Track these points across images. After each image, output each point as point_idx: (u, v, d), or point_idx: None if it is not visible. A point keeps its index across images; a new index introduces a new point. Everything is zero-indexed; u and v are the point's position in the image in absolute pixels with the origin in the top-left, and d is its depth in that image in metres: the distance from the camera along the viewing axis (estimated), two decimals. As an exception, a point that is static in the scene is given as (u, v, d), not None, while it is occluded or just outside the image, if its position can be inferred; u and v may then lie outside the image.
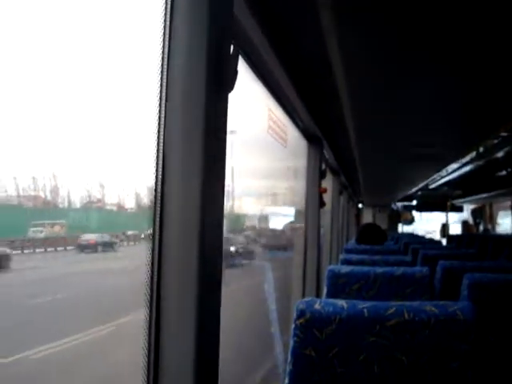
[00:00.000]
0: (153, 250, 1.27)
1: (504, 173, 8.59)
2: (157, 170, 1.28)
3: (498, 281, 2.41)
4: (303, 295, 3.87)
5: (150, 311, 1.26)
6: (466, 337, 1.48)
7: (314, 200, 4.03)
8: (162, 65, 1.28)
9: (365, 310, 1.53)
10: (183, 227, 1.26)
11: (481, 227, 13.96)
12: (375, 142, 4.32)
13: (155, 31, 1.29)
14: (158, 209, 1.27)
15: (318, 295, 3.84)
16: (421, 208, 14.25)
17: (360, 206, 13.49)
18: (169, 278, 1.26)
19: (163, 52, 1.28)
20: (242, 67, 1.99)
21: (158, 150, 1.27)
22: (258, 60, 2.13)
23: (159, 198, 1.27)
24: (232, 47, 1.39)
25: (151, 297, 1.27)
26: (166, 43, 1.28)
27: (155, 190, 1.27)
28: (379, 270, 2.69)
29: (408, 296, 2.58)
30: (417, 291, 2.60)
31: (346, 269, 2.71)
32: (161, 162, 1.27)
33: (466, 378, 1.47)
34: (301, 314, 1.54)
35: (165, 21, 1.29)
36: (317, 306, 1.55)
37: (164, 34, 1.29)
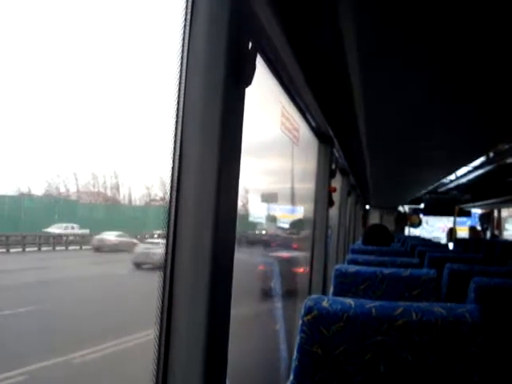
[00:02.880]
0: (167, 245, 1.29)
1: (514, 179, 8.54)
2: (173, 164, 1.30)
3: (506, 285, 2.41)
4: (309, 293, 3.88)
5: (162, 310, 1.29)
6: (473, 339, 1.48)
7: (323, 199, 4.04)
8: (182, 58, 1.30)
9: (373, 309, 1.54)
10: (197, 223, 1.28)
11: (488, 233, 13.90)
12: (386, 143, 4.31)
13: (176, 28, 1.31)
14: (174, 204, 1.29)
15: (324, 294, 3.85)
16: (428, 211, 14.16)
17: (367, 207, 13.45)
18: (182, 270, 1.27)
19: (183, 46, 1.30)
20: (259, 64, 2.01)
21: (175, 143, 1.29)
22: (275, 58, 2.15)
23: (175, 191, 1.28)
24: (250, 44, 1.41)
25: (163, 292, 1.29)
26: (187, 38, 1.30)
27: (171, 184, 1.29)
28: (386, 270, 2.70)
29: (415, 298, 2.58)
30: (424, 293, 2.60)
31: (352, 268, 2.71)
32: (178, 155, 1.28)
33: (472, 381, 1.48)
34: (308, 310, 1.55)
35: (185, 17, 1.31)
36: (325, 304, 1.55)
37: (184, 29, 1.31)
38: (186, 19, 1.31)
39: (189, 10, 1.30)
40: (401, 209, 14.40)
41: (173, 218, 1.29)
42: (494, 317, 2.29)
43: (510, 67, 2.30)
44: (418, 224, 15.14)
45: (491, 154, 6.53)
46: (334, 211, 6.16)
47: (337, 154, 4.94)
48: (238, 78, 1.34)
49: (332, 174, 4.16)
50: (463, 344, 1.48)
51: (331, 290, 2.72)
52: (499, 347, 2.29)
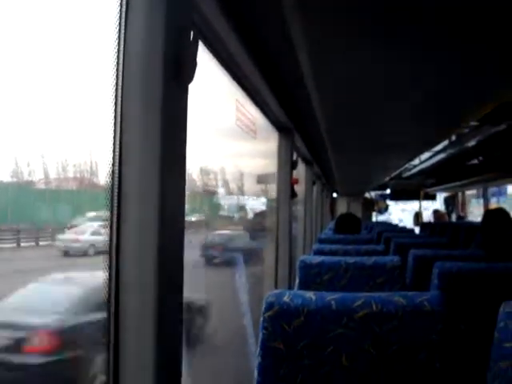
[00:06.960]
0: (110, 247, 1.22)
1: (475, 161, 8.69)
2: (113, 168, 1.22)
3: (468, 269, 2.41)
4: (276, 286, 3.85)
5: (109, 311, 1.22)
6: (433, 327, 1.47)
7: (286, 191, 4.01)
8: (118, 51, 1.23)
9: (332, 302, 1.52)
10: (142, 226, 1.22)
11: (453, 216, 14.12)
12: (346, 130, 4.30)
13: (110, 17, 1.24)
14: (116, 206, 1.22)
15: (291, 286, 3.83)
16: (395, 197, 14.34)
17: (335, 195, 13.53)
18: (127, 276, 1.21)
19: (119, 39, 1.23)
20: (206, 57, 1.95)
21: (114, 145, 1.22)
22: (223, 49, 2.08)
23: (116, 194, 1.21)
24: (192, 34, 1.34)
25: (109, 297, 1.23)
26: (122, 31, 1.23)
27: (111, 187, 1.22)
28: (350, 259, 2.68)
29: (379, 286, 2.58)
30: (388, 281, 2.59)
31: (317, 259, 2.69)
32: (117, 158, 1.21)
33: (434, 369, 1.47)
34: (269, 306, 1.53)
35: (121, 7, 1.23)
36: (286, 299, 1.54)
37: (120, 20, 1.24)
38: (120, 8, 1.23)
39: (123, 1, 1.23)
40: (367, 195, 14.54)
41: (115, 223, 1.22)
42: (457, 301, 2.29)
43: (469, 55, 2.28)
44: (385, 209, 15.33)
45: (453, 138, 6.61)
46: (299, 203, 6.16)
47: (299, 145, 4.92)
48: (179, 74, 1.27)
49: (293, 166, 4.13)
50: (424, 332, 1.47)
51: (297, 281, 2.69)
52: (463, 331, 2.29)
